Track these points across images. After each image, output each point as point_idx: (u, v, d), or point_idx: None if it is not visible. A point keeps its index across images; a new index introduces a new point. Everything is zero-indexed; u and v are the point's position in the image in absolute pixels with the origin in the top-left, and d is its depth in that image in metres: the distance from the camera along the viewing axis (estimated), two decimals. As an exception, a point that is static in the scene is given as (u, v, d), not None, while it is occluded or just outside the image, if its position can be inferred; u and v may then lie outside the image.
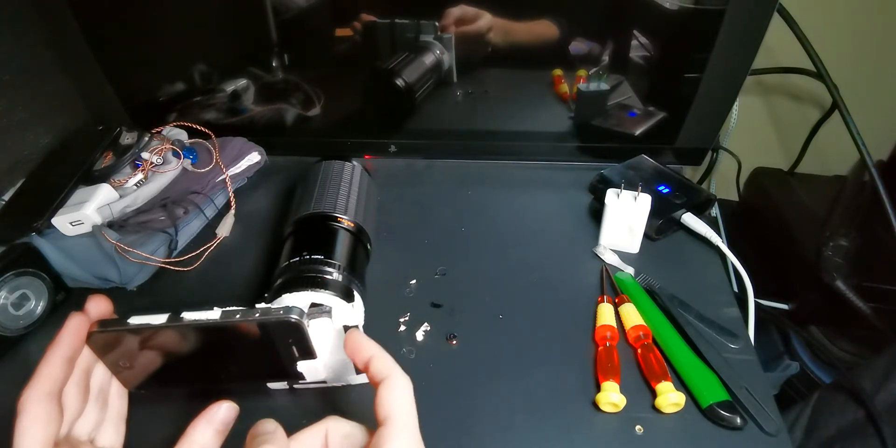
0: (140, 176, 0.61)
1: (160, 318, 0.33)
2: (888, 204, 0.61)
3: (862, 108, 0.65)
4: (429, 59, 0.64)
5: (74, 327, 0.31)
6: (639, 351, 0.47)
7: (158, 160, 0.63)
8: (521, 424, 0.43)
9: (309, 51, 0.67)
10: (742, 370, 0.45)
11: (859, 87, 0.72)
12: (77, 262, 0.54)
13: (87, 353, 0.33)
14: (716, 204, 0.70)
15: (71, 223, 0.56)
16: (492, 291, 0.54)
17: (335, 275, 0.44)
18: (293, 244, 0.48)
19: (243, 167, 0.67)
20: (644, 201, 0.54)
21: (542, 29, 0.62)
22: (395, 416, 0.28)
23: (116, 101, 0.69)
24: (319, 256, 0.45)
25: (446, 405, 0.44)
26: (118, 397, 0.35)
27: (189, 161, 0.64)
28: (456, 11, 0.60)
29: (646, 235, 0.57)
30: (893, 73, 0.86)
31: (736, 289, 0.62)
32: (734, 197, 0.95)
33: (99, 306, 0.33)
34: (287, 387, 0.46)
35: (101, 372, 0.34)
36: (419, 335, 0.50)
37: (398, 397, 0.29)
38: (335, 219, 0.51)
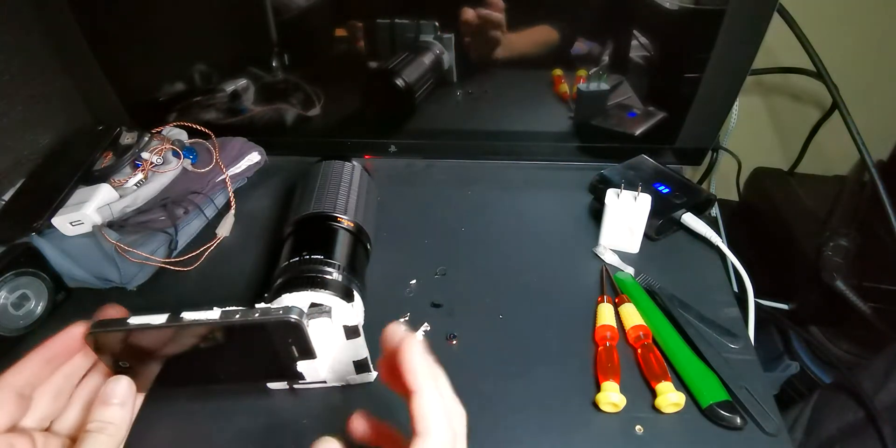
0: (140, 176, 0.61)
1: (160, 318, 0.33)
2: (888, 204, 0.61)
3: (862, 108, 0.65)
4: (429, 59, 0.64)
5: (68, 334, 0.32)
6: (639, 351, 0.47)
7: (158, 160, 0.63)
8: (520, 424, 0.43)
9: (309, 51, 0.67)
10: (742, 370, 0.45)
11: (859, 87, 0.72)
12: (77, 262, 0.54)
13: (78, 362, 0.33)
14: (716, 204, 0.70)
15: (71, 223, 0.56)
16: (492, 291, 0.54)
17: (335, 275, 0.44)
18: (293, 244, 0.48)
19: (243, 167, 0.67)
20: (644, 201, 0.54)
21: (542, 29, 0.62)
22: (422, 433, 0.28)
23: (116, 101, 0.70)
24: (319, 256, 0.45)
25: (446, 405, 0.44)
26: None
27: (189, 161, 0.64)
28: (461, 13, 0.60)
29: (646, 235, 0.57)
30: (893, 73, 0.86)
31: (736, 289, 0.62)
32: (734, 197, 0.95)
33: (110, 315, 0.33)
34: (287, 387, 0.46)
35: (96, 378, 0.34)
36: (419, 335, 0.50)
37: (425, 413, 0.28)
38: (335, 219, 0.51)
